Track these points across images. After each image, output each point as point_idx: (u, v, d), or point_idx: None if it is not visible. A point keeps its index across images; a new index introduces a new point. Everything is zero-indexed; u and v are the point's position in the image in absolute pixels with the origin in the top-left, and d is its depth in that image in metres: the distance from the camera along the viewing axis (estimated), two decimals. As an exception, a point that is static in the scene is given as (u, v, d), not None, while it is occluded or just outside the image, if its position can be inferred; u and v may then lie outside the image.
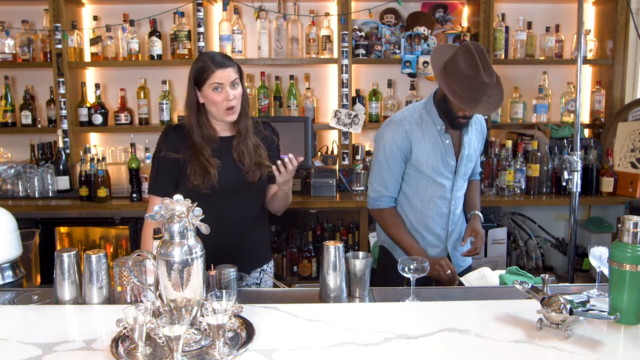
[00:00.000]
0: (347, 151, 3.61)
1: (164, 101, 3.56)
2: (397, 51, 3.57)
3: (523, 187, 3.38)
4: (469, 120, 2.14)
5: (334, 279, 1.68)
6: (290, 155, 1.95)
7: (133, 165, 3.21)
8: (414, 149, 2.15)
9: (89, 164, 3.23)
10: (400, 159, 2.17)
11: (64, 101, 3.49)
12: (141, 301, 1.50)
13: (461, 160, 2.21)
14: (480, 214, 2.31)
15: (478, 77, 1.92)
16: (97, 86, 3.60)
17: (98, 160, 3.26)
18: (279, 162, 1.93)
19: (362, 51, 3.56)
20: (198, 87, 1.97)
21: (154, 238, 1.54)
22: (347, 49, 3.49)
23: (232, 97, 1.94)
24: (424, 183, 2.21)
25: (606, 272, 1.56)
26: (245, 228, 2.07)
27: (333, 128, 3.59)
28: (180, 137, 2.02)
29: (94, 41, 3.52)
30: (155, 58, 3.52)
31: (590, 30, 3.71)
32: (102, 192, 3.20)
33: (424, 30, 3.53)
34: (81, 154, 3.42)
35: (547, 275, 1.52)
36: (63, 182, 3.39)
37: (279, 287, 1.99)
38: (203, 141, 1.98)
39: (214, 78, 1.93)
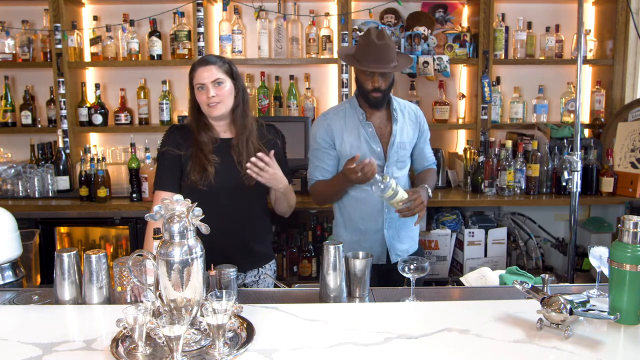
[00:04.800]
0: (347, 151, 3.60)
1: (164, 101, 3.56)
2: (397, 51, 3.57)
3: (523, 187, 3.38)
4: (383, 94, 2.23)
5: (334, 279, 1.68)
6: (259, 154, 1.94)
7: (133, 165, 3.21)
8: (337, 140, 2.28)
9: (89, 164, 3.23)
10: (326, 149, 2.30)
11: (64, 101, 3.49)
12: (141, 301, 1.50)
13: (391, 147, 2.30)
14: (428, 187, 2.30)
15: (369, 40, 2.16)
16: (97, 86, 3.60)
17: (98, 160, 3.26)
18: (248, 164, 1.92)
19: (362, 51, 3.55)
20: (193, 88, 2.03)
21: (154, 238, 1.54)
22: (347, 49, 3.49)
23: (212, 94, 1.98)
24: None
25: (606, 272, 1.56)
26: (244, 227, 2.08)
27: (333, 128, 3.58)
28: (184, 136, 2.06)
29: (94, 41, 3.52)
30: (155, 58, 3.52)
31: (590, 30, 3.71)
32: (102, 192, 3.19)
33: (424, 30, 3.53)
34: (81, 154, 3.42)
35: (547, 275, 1.52)
36: (63, 182, 3.39)
37: (279, 287, 1.99)
38: (205, 140, 2.02)
39: (196, 78, 2.00)
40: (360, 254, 1.76)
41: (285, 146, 2.22)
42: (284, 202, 2.15)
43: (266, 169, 1.93)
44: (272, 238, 2.50)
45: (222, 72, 2.00)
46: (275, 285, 2.06)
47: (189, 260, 1.33)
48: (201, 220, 1.36)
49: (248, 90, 3.55)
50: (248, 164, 1.92)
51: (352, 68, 3.56)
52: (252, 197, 2.08)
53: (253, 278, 2.17)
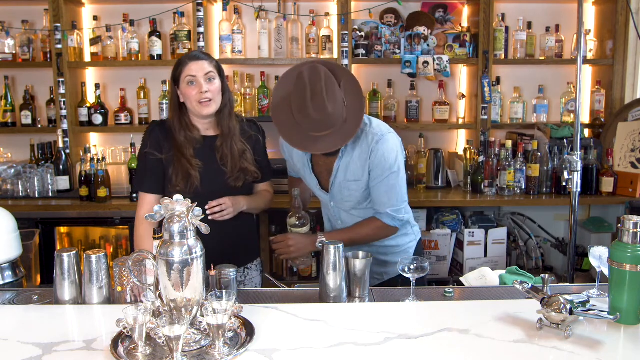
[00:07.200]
0: (347, 151, 3.60)
1: (164, 101, 3.56)
2: (397, 51, 3.57)
3: (523, 187, 3.38)
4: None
5: (334, 279, 1.68)
6: (210, 203, 1.93)
7: (133, 165, 3.21)
8: (291, 159, 2.19)
9: (89, 164, 3.23)
10: (287, 159, 2.23)
11: (64, 101, 3.49)
12: (141, 301, 1.50)
13: (332, 185, 2.06)
14: (323, 238, 1.97)
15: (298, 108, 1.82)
16: (97, 86, 3.60)
17: (98, 160, 3.26)
18: (208, 211, 1.91)
19: (362, 51, 3.56)
20: (177, 84, 1.97)
21: (154, 238, 1.54)
22: (347, 49, 3.49)
23: (205, 89, 1.92)
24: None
25: (606, 272, 1.56)
26: (228, 230, 2.02)
27: (333, 128, 3.58)
28: (164, 134, 2.00)
29: (94, 41, 3.52)
30: (155, 58, 3.52)
31: (590, 30, 3.71)
32: (102, 192, 3.19)
33: (424, 30, 3.53)
34: (81, 154, 3.42)
35: (547, 275, 1.52)
36: (63, 182, 3.39)
37: (279, 287, 1.98)
38: (186, 141, 1.97)
39: (187, 71, 1.92)
40: (360, 253, 1.75)
41: (265, 142, 2.18)
42: (253, 211, 2.16)
43: (226, 209, 1.94)
44: (257, 237, 2.49)
45: (212, 67, 1.96)
46: (275, 285, 2.06)
47: (189, 260, 1.33)
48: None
49: (248, 90, 3.59)
50: (208, 212, 1.91)
51: (354, 68, 3.60)
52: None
53: (239, 278, 2.15)
